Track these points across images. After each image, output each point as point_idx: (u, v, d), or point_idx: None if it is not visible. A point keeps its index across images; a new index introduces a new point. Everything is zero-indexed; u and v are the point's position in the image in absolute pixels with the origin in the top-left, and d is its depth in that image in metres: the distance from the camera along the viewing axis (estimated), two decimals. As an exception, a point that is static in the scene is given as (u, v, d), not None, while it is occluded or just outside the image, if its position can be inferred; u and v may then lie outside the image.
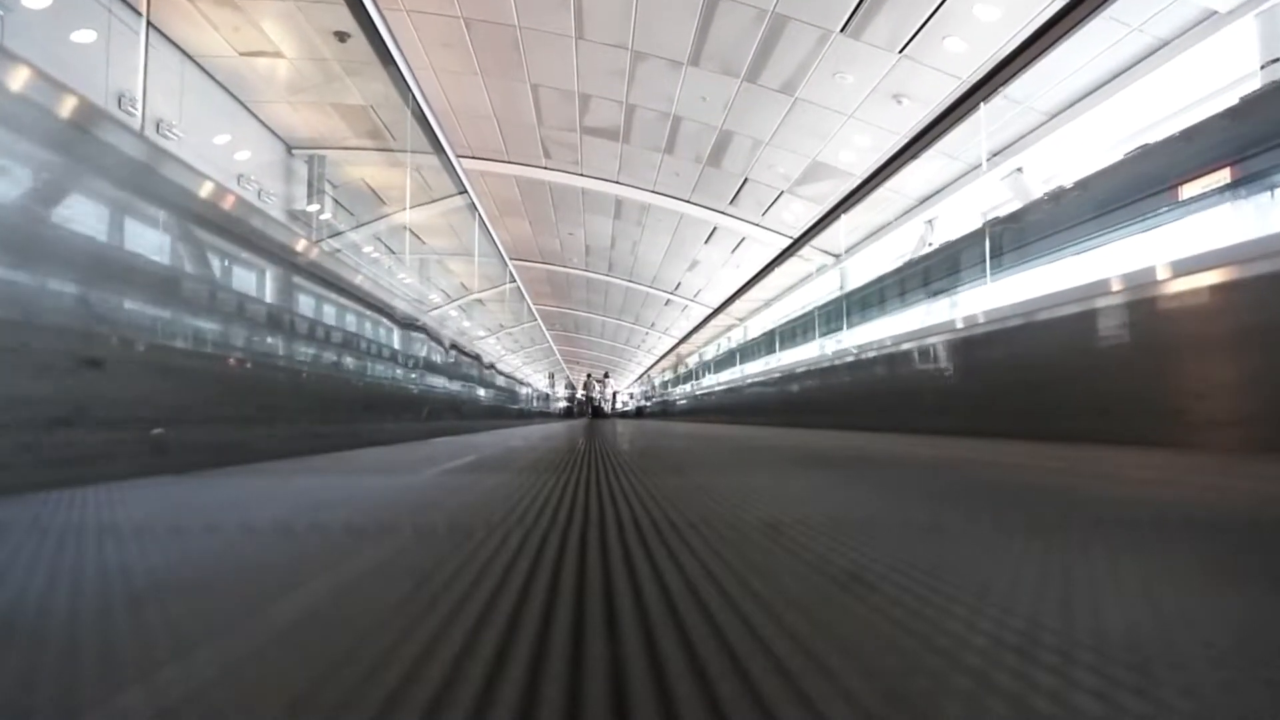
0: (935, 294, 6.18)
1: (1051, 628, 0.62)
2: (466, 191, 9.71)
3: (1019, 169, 8.02)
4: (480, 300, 17.04)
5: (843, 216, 9.06)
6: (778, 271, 12.07)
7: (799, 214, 10.87)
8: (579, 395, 32.90)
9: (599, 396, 32.86)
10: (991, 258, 5.22)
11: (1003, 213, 6.16)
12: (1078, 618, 0.66)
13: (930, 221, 9.77)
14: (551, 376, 30.90)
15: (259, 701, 0.50)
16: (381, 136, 9.95)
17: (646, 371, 29.01)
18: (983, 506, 1.53)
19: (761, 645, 0.59)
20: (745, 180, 10.28)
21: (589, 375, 33.08)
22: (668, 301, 17.98)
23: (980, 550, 1.03)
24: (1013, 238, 5.07)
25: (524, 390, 16.22)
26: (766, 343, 12.46)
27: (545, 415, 19.91)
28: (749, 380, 12.18)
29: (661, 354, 23.54)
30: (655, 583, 0.80)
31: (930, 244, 9.86)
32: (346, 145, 10.39)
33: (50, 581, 0.82)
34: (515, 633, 0.63)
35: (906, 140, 7.02)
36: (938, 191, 8.97)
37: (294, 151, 10.07)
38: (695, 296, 16.93)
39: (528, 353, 22.14)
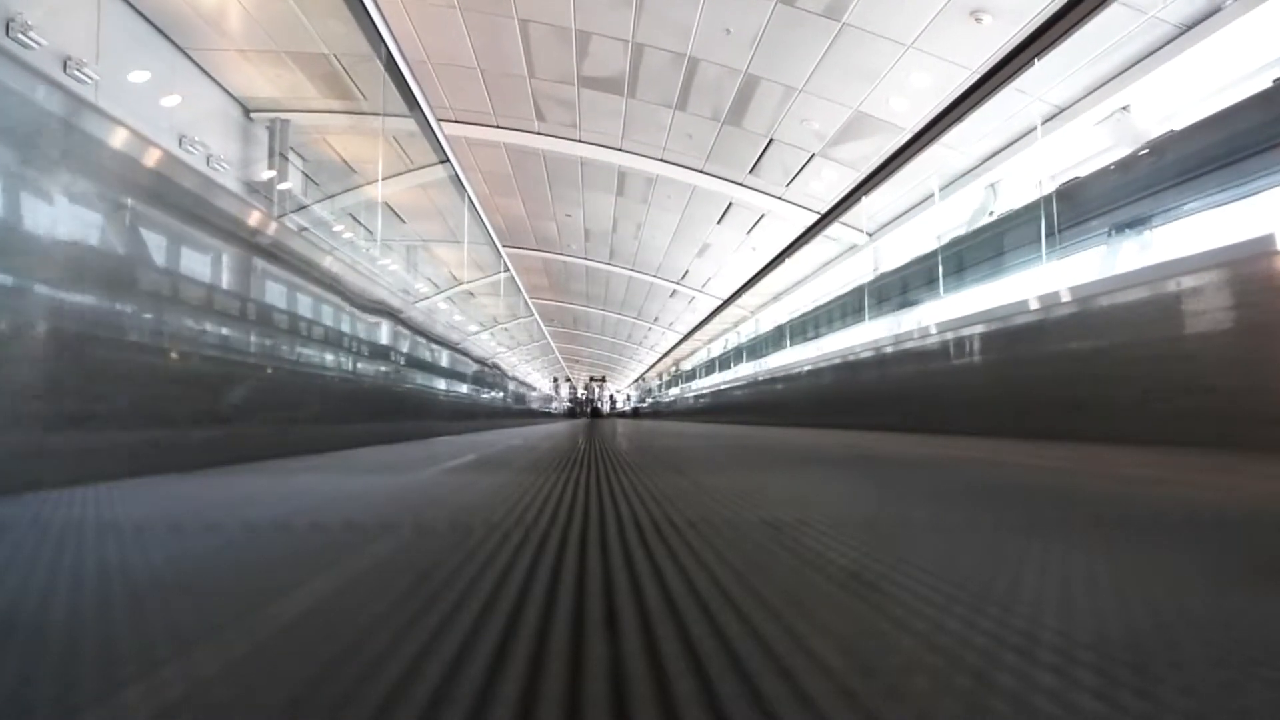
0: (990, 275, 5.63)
1: (1051, 626, 0.63)
2: (449, 160, 8.73)
3: (1124, 107, 6.04)
4: (471, 292, 15.25)
5: (886, 181, 8.10)
6: (799, 254, 11.27)
7: (831, 183, 9.14)
8: (580, 395, 35.46)
9: (597, 398, 36.16)
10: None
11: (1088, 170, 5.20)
12: (1076, 615, 0.67)
13: (993, 185, 7.80)
14: (555, 380, 33.08)
15: (259, 699, 0.50)
16: (351, 95, 8.74)
17: (644, 373, 30.36)
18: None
19: (761, 644, 0.59)
20: (770, 142, 8.55)
21: (590, 379, 36.08)
22: (673, 293, 16.37)
23: (979, 547, 1.03)
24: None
25: (530, 393, 16.69)
26: (762, 343, 12.49)
27: (549, 415, 20.86)
28: (742, 381, 12.17)
29: (664, 352, 23.66)
30: (655, 581, 0.81)
31: (992, 213, 8.57)
32: (311, 108, 9.17)
33: (50, 580, 0.83)
34: (515, 631, 0.63)
35: (981, 74, 5.79)
36: (1008, 145, 7.12)
37: (253, 115, 8.89)
38: (703, 286, 15.28)
39: (526, 350, 20.75)
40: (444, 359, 6.74)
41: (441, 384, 6.77)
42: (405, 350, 5.20)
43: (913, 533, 1.17)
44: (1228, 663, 0.54)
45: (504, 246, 13.57)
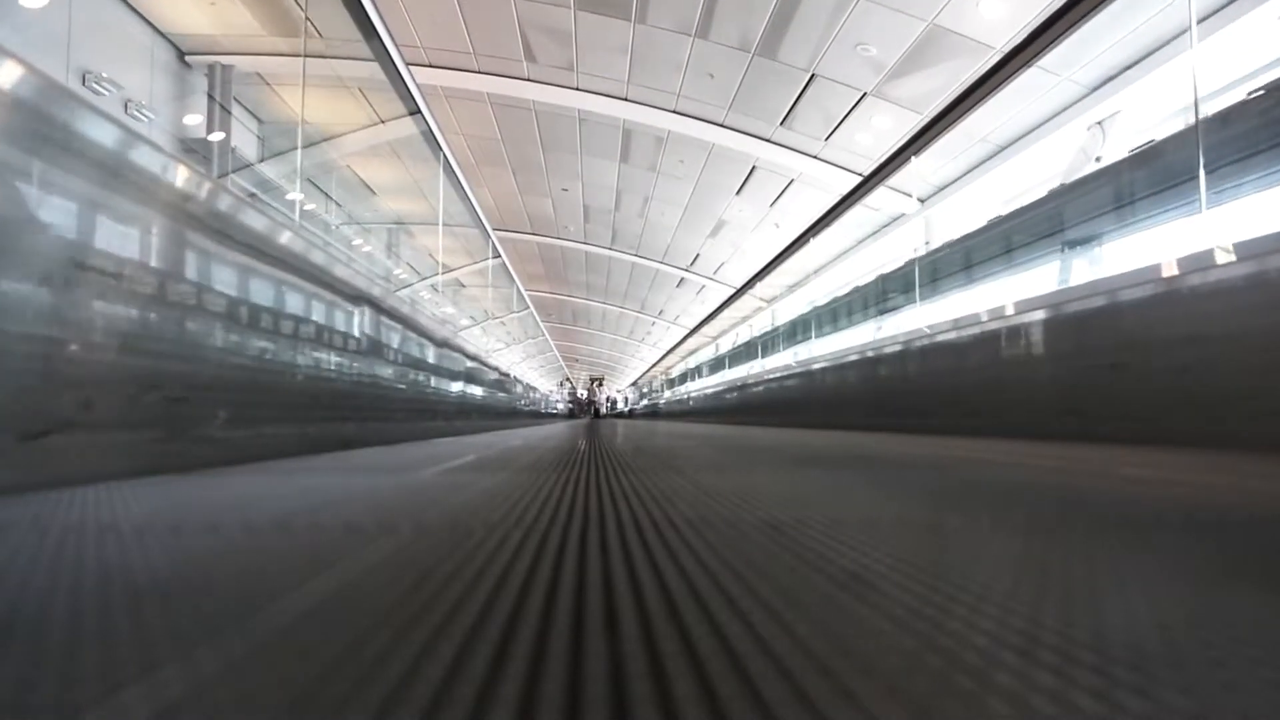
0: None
1: (1049, 625, 0.64)
2: (420, 112, 7.13)
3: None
4: (459, 281, 13.28)
5: (955, 127, 6.29)
6: (830, 230, 9.35)
7: (883, 133, 7.30)
8: (580, 395, 37.05)
9: (597, 399, 37.53)
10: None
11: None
12: (1074, 614, 0.68)
13: (1102, 123, 5.65)
14: (560, 384, 36.52)
15: (259, 700, 0.50)
16: (302, 31, 6.94)
17: (647, 372, 30.62)
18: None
19: (761, 645, 0.60)
20: (811, 79, 6.63)
21: (590, 379, 37.87)
22: (680, 281, 14.63)
23: (978, 547, 1.08)
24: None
25: (528, 394, 16.57)
26: (774, 338, 11.53)
27: (548, 416, 20.93)
28: (750, 380, 11.37)
29: (667, 349, 23.16)
30: (655, 582, 0.82)
31: (1098, 159, 6.66)
32: (256, 50, 7.44)
33: (51, 580, 0.84)
34: (515, 631, 0.64)
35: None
36: (1133, 64, 5.06)
37: (189, 58, 7.36)
38: (714, 273, 13.35)
39: (523, 348, 19.27)
40: (431, 354, 5.98)
41: (433, 382, 6.08)
42: (383, 343, 4.57)
43: (913, 533, 1.20)
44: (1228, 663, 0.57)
45: (495, 230, 11.61)
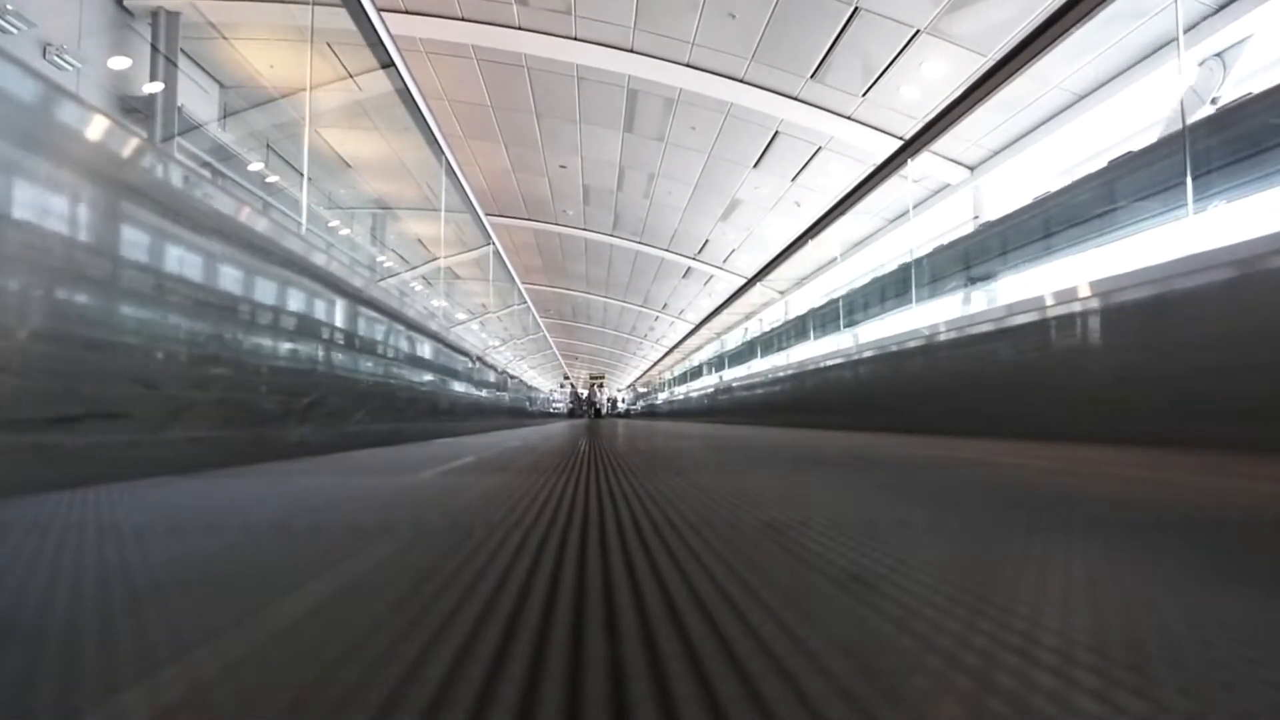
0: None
1: (1048, 625, 0.65)
2: (394, 64, 5.85)
3: None
4: (452, 270, 12.09)
5: (1026, 70, 4.97)
6: (858, 207, 8.04)
7: (934, 85, 5.98)
8: (580, 394, 37.61)
9: (597, 399, 38.06)
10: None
11: None
12: (1070, 613, 0.68)
13: (1222, 56, 3.90)
14: (561, 384, 37.01)
15: (259, 701, 0.50)
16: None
17: (649, 370, 30.72)
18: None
19: (761, 646, 0.59)
20: (853, 14, 5.19)
21: (590, 378, 38.35)
22: (687, 271, 13.42)
23: (977, 548, 1.07)
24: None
25: (528, 393, 16.04)
26: (786, 332, 10.44)
27: (548, 416, 21.08)
28: (758, 379, 10.55)
29: (671, 346, 22.32)
30: (655, 583, 0.81)
31: (1215, 100, 5.22)
32: None
33: (50, 581, 0.83)
34: (515, 633, 0.64)
35: None
36: None
37: (127, 3, 6.08)
38: (724, 261, 12.02)
39: (521, 345, 18.18)
40: (424, 350, 5.47)
41: (431, 382, 5.73)
42: (374, 339, 4.15)
43: (913, 534, 1.19)
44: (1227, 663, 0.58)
45: (487, 215, 10.34)
